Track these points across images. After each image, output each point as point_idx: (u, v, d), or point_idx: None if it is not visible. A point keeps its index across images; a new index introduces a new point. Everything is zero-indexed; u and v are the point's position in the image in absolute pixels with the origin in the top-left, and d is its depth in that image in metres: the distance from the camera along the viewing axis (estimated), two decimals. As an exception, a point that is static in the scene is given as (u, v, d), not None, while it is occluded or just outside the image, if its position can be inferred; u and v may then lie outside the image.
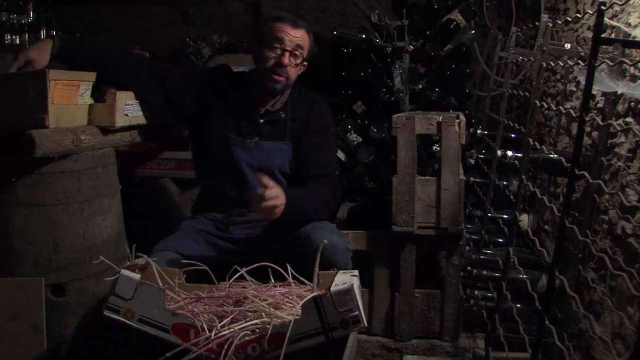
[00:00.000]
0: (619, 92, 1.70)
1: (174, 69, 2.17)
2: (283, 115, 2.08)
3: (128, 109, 2.02)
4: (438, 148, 2.45)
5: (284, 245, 1.99)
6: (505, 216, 2.62)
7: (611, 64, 1.54)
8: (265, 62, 2.00)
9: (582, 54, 1.85)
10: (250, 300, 1.59)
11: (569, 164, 1.55)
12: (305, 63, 2.09)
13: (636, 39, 1.68)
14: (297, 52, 2.01)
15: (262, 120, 2.08)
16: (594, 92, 1.87)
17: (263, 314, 1.54)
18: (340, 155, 2.74)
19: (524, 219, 2.60)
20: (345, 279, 1.58)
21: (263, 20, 2.10)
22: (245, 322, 1.51)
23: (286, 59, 1.99)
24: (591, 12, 1.73)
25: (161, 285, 1.61)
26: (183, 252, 1.90)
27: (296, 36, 2.00)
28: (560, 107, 1.97)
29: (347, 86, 2.85)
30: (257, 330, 1.50)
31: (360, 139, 2.67)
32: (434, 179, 2.30)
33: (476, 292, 2.45)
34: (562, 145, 2.45)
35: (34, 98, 1.71)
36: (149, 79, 2.06)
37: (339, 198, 2.26)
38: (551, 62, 2.09)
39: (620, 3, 1.57)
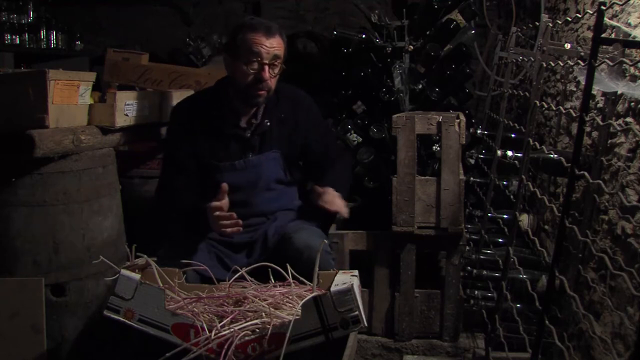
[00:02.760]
0: (619, 92, 1.70)
1: (172, 156, 2.06)
2: (269, 124, 2.02)
3: (128, 109, 2.02)
4: (438, 148, 2.45)
5: (272, 247, 1.99)
6: (505, 216, 2.62)
7: (611, 64, 1.54)
8: (245, 78, 1.92)
9: (582, 54, 1.84)
10: (250, 300, 1.59)
11: (569, 164, 1.55)
12: (284, 67, 1.99)
13: (636, 39, 1.68)
14: (275, 63, 1.93)
15: (249, 135, 2.01)
16: (594, 92, 1.86)
17: (263, 314, 1.54)
18: (341, 155, 2.74)
19: (524, 219, 2.60)
20: (345, 279, 1.58)
21: (234, 30, 1.96)
22: (245, 322, 1.51)
23: (266, 74, 1.90)
24: (591, 12, 1.73)
25: (161, 285, 1.61)
26: (187, 257, 1.86)
27: (272, 46, 1.90)
28: (560, 107, 1.97)
29: (347, 86, 2.85)
30: (257, 330, 1.50)
31: (360, 139, 2.67)
32: (434, 179, 2.30)
33: (476, 292, 2.45)
34: (562, 145, 2.45)
35: (34, 98, 1.72)
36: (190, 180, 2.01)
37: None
38: (551, 62, 2.08)
39: (620, 3, 1.57)
